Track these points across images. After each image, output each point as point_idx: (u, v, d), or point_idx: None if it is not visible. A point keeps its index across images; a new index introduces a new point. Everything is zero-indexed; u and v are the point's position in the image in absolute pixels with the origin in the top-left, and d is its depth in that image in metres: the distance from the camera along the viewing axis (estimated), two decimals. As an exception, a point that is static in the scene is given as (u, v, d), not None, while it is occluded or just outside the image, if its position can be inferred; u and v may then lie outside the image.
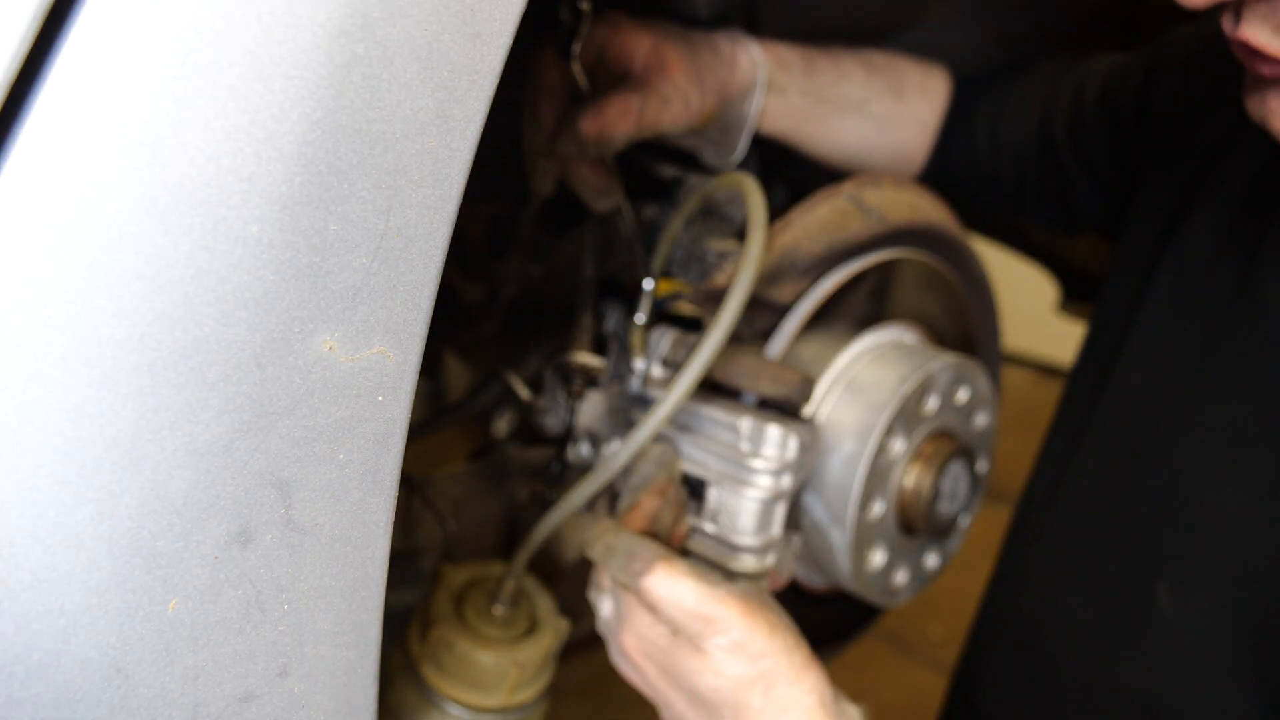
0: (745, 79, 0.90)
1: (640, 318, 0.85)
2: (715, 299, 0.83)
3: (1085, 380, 0.98)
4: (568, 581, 0.97)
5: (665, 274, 0.90)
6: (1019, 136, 1.08)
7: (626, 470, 0.79)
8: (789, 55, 0.94)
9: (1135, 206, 0.99)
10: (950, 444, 0.87)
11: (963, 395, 0.89)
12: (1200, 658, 0.79)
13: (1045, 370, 3.85)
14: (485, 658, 0.80)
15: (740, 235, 0.94)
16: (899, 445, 0.84)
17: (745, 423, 0.77)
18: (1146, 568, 0.84)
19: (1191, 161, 0.92)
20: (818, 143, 1.00)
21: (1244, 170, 0.86)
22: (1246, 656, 0.77)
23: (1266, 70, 0.67)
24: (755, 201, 0.79)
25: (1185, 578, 0.81)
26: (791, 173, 1.18)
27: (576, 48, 0.79)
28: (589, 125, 0.79)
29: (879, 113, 1.02)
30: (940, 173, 1.10)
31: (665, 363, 0.85)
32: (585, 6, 0.78)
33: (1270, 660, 0.76)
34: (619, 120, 0.80)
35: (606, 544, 0.73)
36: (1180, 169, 0.94)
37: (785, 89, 0.93)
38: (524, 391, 0.92)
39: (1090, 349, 1.00)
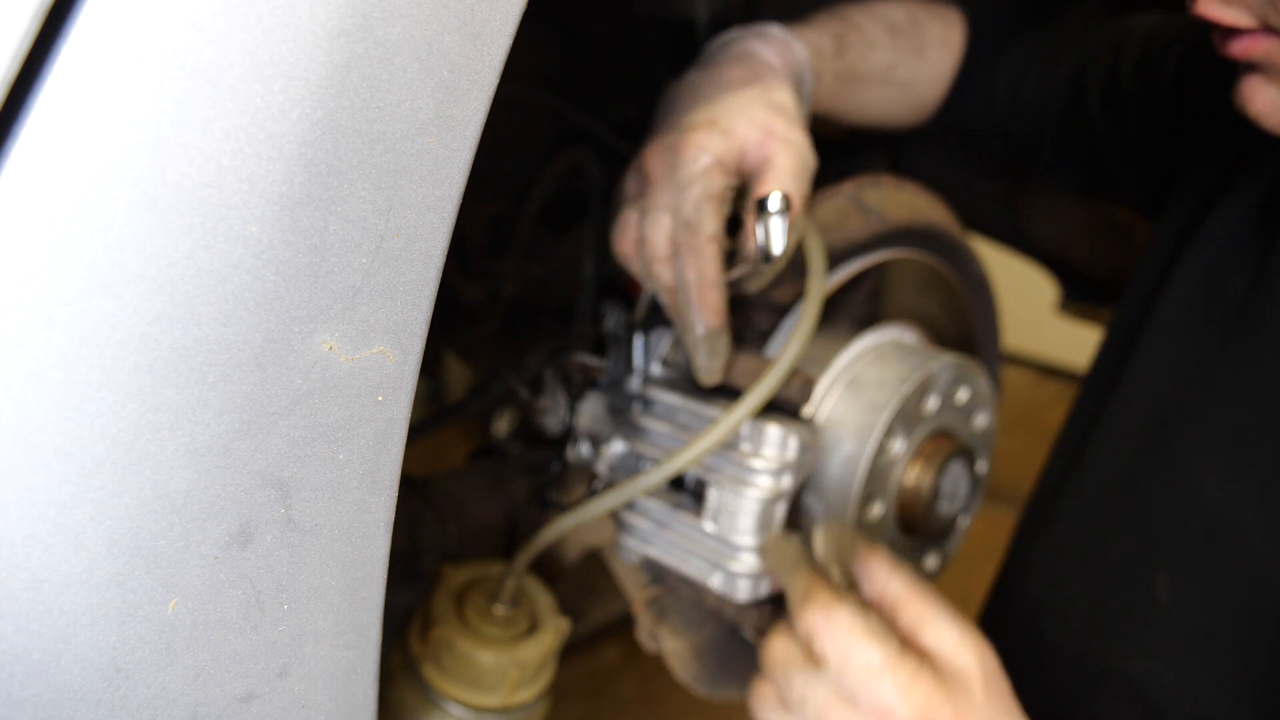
0: (796, 79, 0.87)
1: None
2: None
3: (1101, 372, 0.98)
4: (568, 581, 0.97)
5: None
6: (1043, 95, 1.04)
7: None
8: (822, 41, 0.91)
9: (1172, 193, 0.97)
10: (950, 444, 0.87)
11: (963, 395, 0.89)
12: (1190, 649, 0.80)
13: (1045, 370, 3.85)
14: (486, 657, 0.80)
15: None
16: (899, 445, 0.84)
17: (745, 423, 0.77)
18: (1147, 558, 0.84)
19: (1225, 152, 0.91)
20: (843, 117, 0.99)
21: (1272, 168, 0.85)
22: (1234, 650, 0.77)
23: (1233, 50, 0.68)
24: (814, 245, 0.79)
25: (1183, 569, 0.81)
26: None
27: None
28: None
29: (903, 77, 1.00)
30: (951, 120, 1.07)
31: (665, 363, 0.85)
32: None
33: (1256, 654, 0.76)
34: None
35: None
36: (1214, 159, 0.92)
37: (821, 75, 0.91)
38: (524, 392, 0.92)
39: (1109, 341, 0.99)
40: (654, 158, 0.78)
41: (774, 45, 0.85)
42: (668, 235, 0.76)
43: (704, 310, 0.74)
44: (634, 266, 0.80)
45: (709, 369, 0.77)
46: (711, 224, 0.74)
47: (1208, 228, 0.88)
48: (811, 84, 0.89)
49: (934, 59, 1.03)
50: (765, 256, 0.73)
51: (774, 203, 0.71)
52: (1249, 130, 0.84)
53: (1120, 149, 1.02)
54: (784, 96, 0.81)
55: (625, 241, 0.79)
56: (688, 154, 0.75)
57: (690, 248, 0.74)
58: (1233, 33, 0.69)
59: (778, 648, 0.66)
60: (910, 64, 1.01)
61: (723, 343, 0.76)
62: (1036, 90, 1.04)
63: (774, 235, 0.72)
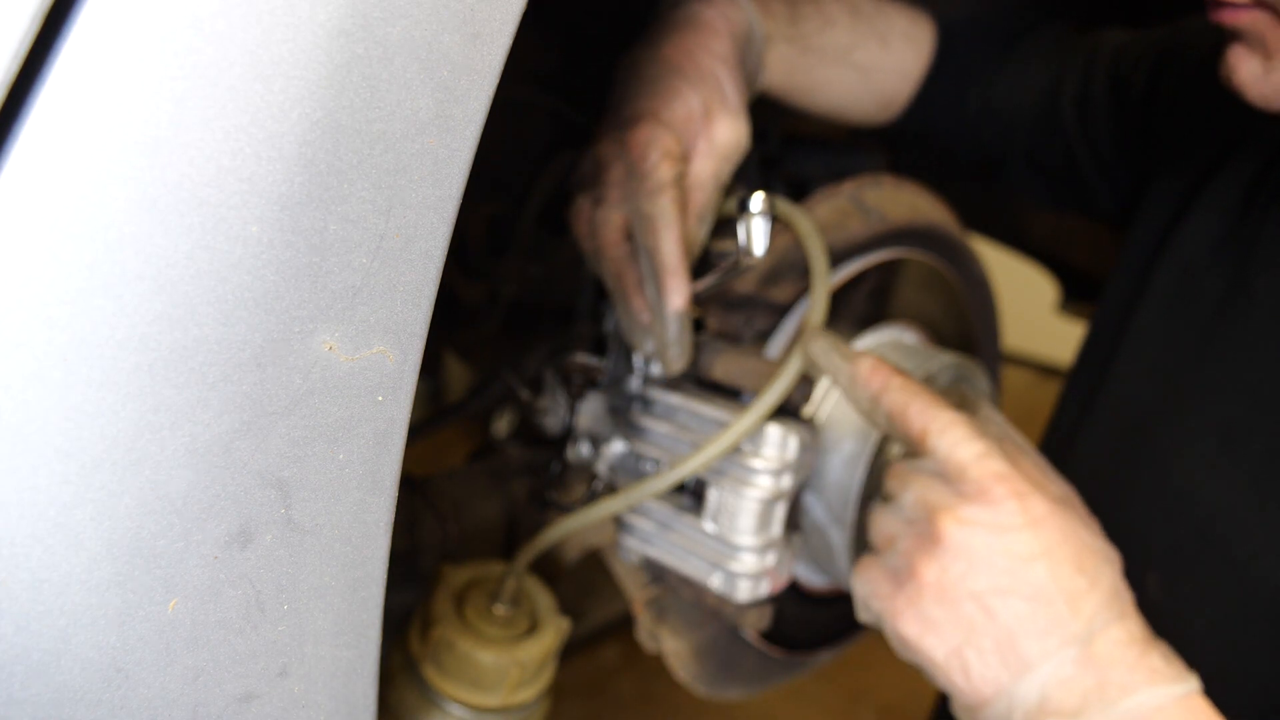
0: (742, 38, 0.85)
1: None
2: (714, 299, 0.83)
3: (1082, 376, 0.99)
4: (568, 581, 0.97)
5: None
6: (1014, 105, 1.05)
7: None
8: (773, 3, 0.90)
9: (1143, 204, 0.98)
10: (950, 444, 0.87)
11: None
12: (1181, 648, 0.80)
13: (1045, 370, 3.85)
14: (486, 657, 0.80)
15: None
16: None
17: (745, 423, 0.77)
18: (1136, 559, 0.84)
19: (1197, 162, 0.92)
20: (801, 96, 0.98)
21: (1245, 172, 0.87)
22: (1227, 649, 0.77)
23: (1222, 18, 0.70)
24: (816, 246, 0.79)
25: (1174, 569, 0.82)
26: (792, 172, 1.18)
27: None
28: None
29: (863, 61, 0.99)
30: (917, 124, 1.07)
31: (665, 363, 0.85)
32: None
33: (1249, 653, 0.76)
34: (696, 202, 0.77)
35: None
36: (1186, 169, 0.93)
37: (772, 37, 0.89)
38: (524, 392, 0.92)
39: (1089, 346, 1.00)
40: (606, 150, 0.80)
41: (717, 5, 0.84)
42: (618, 228, 0.78)
43: (672, 294, 0.75)
44: (586, 246, 0.81)
45: (674, 356, 0.78)
46: (669, 213, 0.74)
47: (1183, 232, 0.89)
48: (762, 43, 0.87)
49: (898, 51, 1.02)
50: (747, 256, 0.73)
51: (755, 204, 0.72)
52: (1221, 135, 0.84)
53: (1092, 162, 1.04)
54: (720, 66, 0.81)
55: (580, 223, 0.81)
56: (636, 151, 0.76)
57: (652, 234, 0.75)
58: (1224, 3, 0.70)
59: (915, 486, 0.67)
60: (871, 50, 0.99)
61: (687, 330, 0.77)
62: (1007, 101, 1.05)
63: (755, 236, 0.72)
